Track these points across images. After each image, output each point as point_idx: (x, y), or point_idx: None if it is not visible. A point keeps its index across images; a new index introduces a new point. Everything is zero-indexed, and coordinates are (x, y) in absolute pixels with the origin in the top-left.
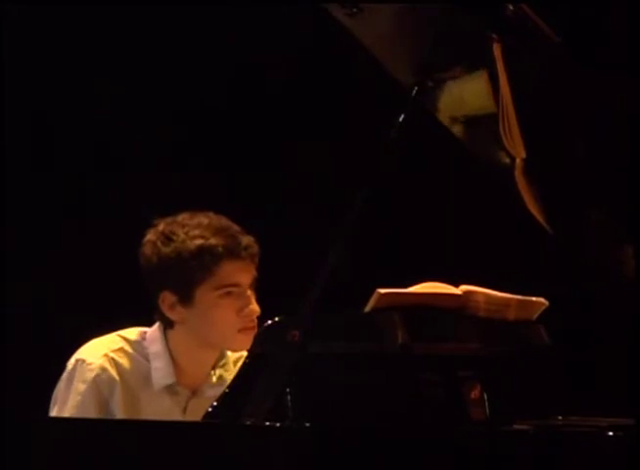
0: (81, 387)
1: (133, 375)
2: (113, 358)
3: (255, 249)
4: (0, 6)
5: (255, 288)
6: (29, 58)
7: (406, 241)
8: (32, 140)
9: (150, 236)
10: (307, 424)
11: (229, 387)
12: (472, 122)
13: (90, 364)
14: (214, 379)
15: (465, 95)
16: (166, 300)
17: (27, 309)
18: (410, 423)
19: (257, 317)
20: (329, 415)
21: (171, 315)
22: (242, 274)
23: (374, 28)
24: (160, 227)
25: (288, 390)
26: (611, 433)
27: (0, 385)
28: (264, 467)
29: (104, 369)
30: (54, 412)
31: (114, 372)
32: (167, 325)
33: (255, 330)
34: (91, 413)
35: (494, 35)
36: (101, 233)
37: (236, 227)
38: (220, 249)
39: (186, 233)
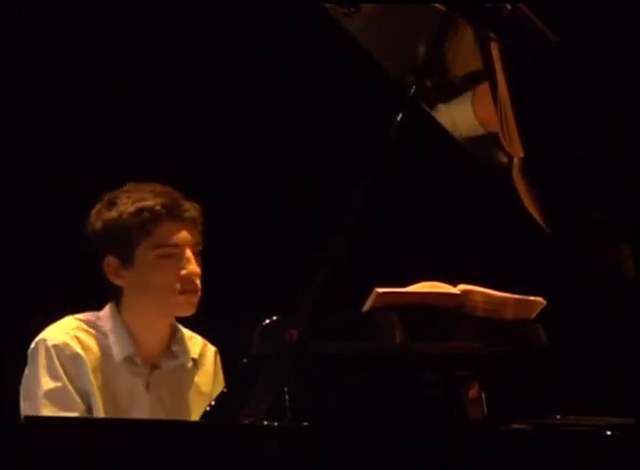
0: (44, 361)
1: (95, 350)
2: (75, 336)
3: (196, 213)
4: (0, 6)
5: (201, 255)
6: (29, 58)
7: (404, 240)
8: (32, 140)
9: (97, 207)
10: (306, 423)
11: (227, 386)
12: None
13: (51, 341)
14: (171, 354)
15: (462, 95)
16: (110, 264)
17: (26, 310)
18: (408, 423)
19: (200, 280)
20: (327, 415)
21: (116, 281)
22: (181, 235)
23: (372, 28)
24: (106, 197)
25: (286, 389)
26: (609, 432)
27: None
28: (263, 467)
29: (66, 344)
30: (27, 404)
31: (78, 348)
32: (117, 296)
33: (198, 293)
34: (67, 387)
35: (492, 35)
36: None
37: (179, 194)
38: (159, 207)
39: (128, 197)
